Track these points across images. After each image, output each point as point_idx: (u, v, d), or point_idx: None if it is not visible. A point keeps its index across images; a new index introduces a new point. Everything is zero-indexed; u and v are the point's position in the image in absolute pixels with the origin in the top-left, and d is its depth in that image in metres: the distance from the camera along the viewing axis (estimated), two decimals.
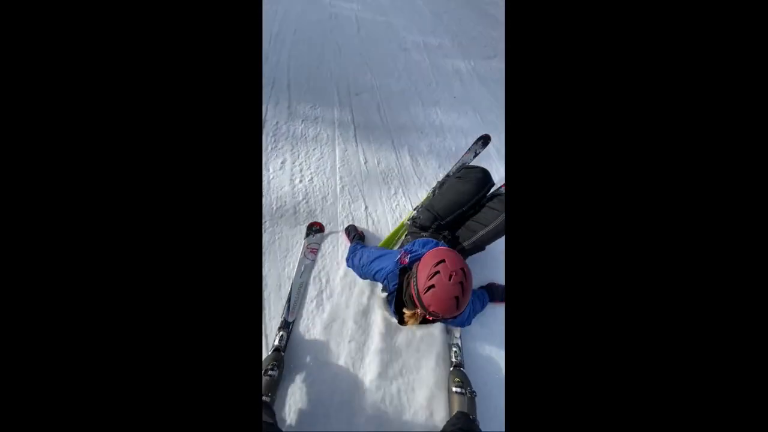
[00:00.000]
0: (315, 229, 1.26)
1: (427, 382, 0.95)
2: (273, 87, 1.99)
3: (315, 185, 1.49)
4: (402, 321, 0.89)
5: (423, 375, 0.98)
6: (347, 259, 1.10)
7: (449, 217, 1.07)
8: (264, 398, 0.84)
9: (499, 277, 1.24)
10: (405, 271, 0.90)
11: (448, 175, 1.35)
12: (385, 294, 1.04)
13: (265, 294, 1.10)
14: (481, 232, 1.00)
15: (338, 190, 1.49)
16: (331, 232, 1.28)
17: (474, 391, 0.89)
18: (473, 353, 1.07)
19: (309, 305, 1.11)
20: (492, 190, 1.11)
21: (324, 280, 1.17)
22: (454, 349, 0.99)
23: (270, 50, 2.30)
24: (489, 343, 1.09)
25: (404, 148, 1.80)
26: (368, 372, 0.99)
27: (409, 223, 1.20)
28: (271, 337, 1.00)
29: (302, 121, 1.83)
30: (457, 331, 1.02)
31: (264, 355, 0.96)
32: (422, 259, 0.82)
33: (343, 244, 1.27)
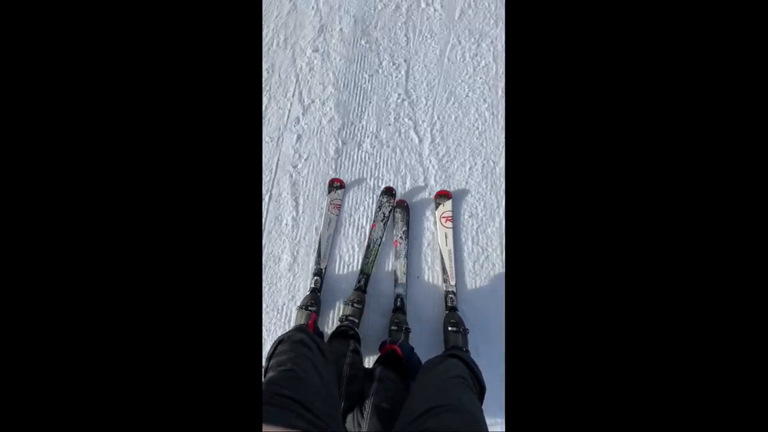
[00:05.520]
0: (336, 185, 1.28)
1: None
2: None
3: None
4: None
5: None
6: None
7: None
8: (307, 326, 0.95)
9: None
10: None
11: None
12: None
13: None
14: None
15: None
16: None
17: (467, 329, 0.98)
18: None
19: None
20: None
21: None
22: (450, 295, 1.08)
23: None
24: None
25: None
26: None
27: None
28: (308, 282, 1.14)
29: None
30: (452, 280, 1.10)
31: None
32: None
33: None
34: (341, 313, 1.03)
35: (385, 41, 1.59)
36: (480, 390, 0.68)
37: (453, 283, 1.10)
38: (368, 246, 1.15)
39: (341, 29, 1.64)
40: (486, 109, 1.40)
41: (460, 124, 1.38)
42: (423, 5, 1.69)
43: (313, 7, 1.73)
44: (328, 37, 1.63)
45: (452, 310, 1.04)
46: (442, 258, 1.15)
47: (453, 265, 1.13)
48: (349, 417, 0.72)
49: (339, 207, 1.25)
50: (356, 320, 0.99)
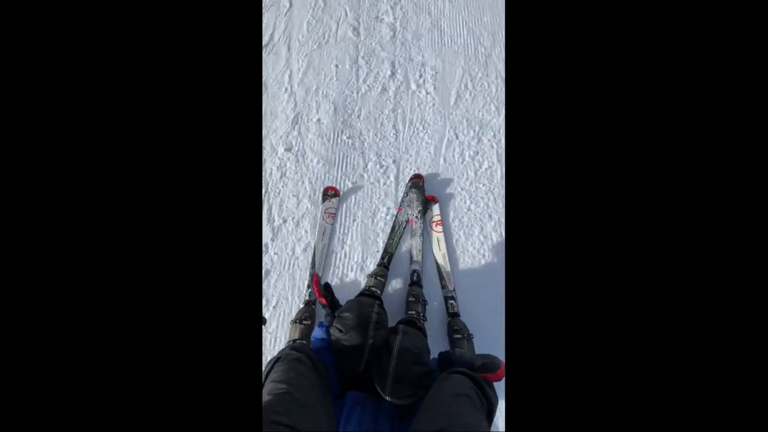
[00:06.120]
0: (330, 194, 1.23)
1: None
2: None
3: None
4: None
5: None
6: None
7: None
8: (302, 341, 0.93)
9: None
10: None
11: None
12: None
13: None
14: None
15: None
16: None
17: (471, 334, 0.98)
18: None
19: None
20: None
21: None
22: (450, 301, 1.07)
23: None
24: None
25: None
26: None
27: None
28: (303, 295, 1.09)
29: None
30: (450, 284, 1.09)
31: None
32: None
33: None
34: (364, 285, 1.06)
35: (371, 135, 1.37)
36: (489, 407, 0.66)
37: (451, 287, 1.09)
38: (393, 228, 1.18)
39: (319, 119, 1.41)
40: (492, 229, 1.17)
41: (463, 249, 1.15)
42: (413, 87, 1.47)
43: (286, 89, 1.50)
44: (303, 130, 1.39)
45: (454, 316, 1.03)
46: (437, 263, 1.13)
47: (449, 270, 1.11)
48: (376, 365, 0.74)
49: (334, 216, 1.21)
50: (378, 291, 1.03)
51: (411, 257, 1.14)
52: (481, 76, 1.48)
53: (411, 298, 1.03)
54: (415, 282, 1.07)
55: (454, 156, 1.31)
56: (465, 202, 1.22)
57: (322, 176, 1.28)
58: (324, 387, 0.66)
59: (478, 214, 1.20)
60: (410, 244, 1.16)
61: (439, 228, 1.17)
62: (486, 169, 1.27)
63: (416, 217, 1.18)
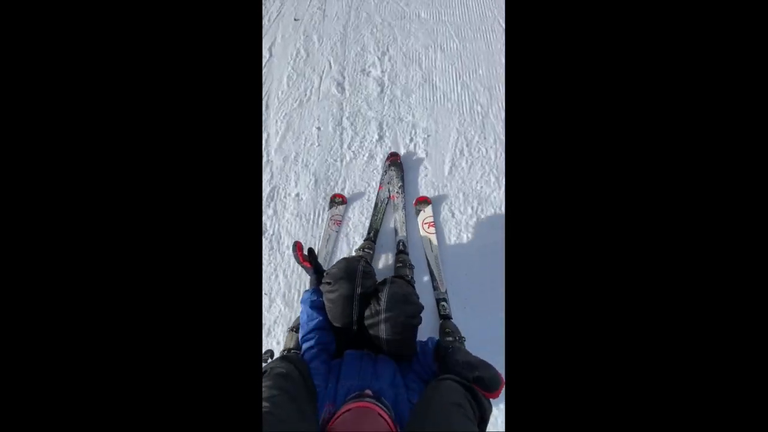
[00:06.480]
0: (337, 201, 1.22)
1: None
2: None
3: None
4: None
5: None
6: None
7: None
8: (296, 351, 0.89)
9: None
10: None
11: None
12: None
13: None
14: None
15: None
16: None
17: (463, 337, 0.97)
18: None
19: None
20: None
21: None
22: (442, 303, 1.05)
23: None
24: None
25: None
26: None
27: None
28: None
29: None
30: (443, 287, 1.07)
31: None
32: None
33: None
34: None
35: (356, 214, 1.21)
36: (481, 415, 0.65)
37: (443, 290, 1.07)
38: (376, 205, 1.21)
39: (298, 194, 1.26)
40: (496, 341, 1.01)
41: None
42: (403, 153, 1.33)
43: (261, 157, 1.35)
44: (279, 207, 1.24)
45: (446, 318, 1.02)
46: (429, 265, 1.11)
47: (441, 272, 1.09)
48: (367, 311, 0.78)
49: (339, 223, 1.20)
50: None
51: (396, 230, 1.17)
52: (477, 139, 1.34)
53: (399, 264, 1.08)
54: (401, 250, 1.12)
55: (450, 239, 1.15)
56: (465, 292, 1.06)
57: (299, 268, 1.12)
58: (309, 396, 0.66)
59: (477, 308, 1.04)
60: (394, 217, 1.20)
61: (432, 229, 1.16)
62: (489, 254, 1.11)
63: (397, 192, 1.22)
